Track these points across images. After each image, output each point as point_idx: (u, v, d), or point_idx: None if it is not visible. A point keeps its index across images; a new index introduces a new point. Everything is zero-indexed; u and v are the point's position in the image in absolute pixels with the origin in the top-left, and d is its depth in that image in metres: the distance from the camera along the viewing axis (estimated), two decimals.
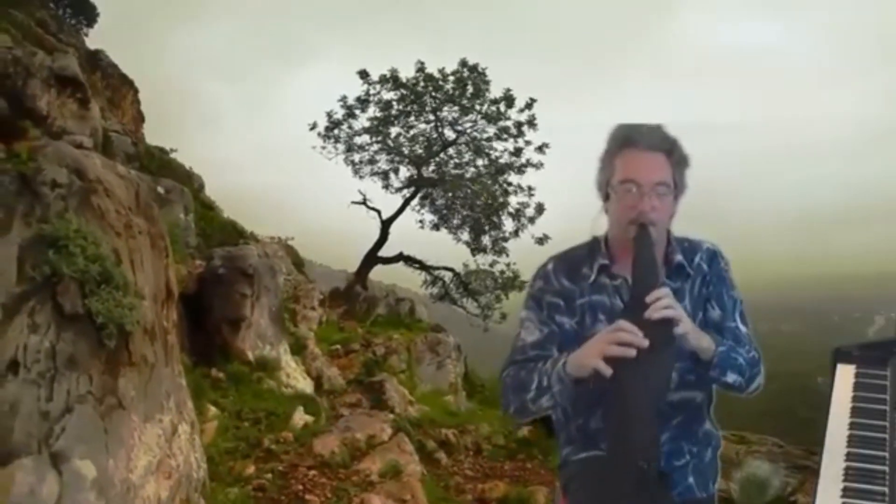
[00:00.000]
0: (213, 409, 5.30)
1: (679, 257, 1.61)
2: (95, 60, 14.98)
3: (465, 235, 12.69)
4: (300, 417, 5.69)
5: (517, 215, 12.01)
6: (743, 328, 1.60)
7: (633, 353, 1.35)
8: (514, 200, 12.18)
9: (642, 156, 1.52)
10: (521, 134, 12.21)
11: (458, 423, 6.71)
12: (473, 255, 12.56)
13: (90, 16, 16.83)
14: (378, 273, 13.56)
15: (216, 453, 4.74)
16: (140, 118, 16.15)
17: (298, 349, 7.32)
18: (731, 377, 1.51)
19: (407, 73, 11.86)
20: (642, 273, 1.46)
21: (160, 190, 7.30)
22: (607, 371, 1.37)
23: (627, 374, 1.37)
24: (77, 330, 2.50)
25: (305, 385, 6.40)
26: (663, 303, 1.38)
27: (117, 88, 15.55)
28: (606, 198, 1.57)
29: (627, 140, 1.54)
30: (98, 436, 2.48)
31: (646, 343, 1.36)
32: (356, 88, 11.98)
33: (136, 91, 16.22)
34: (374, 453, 5.44)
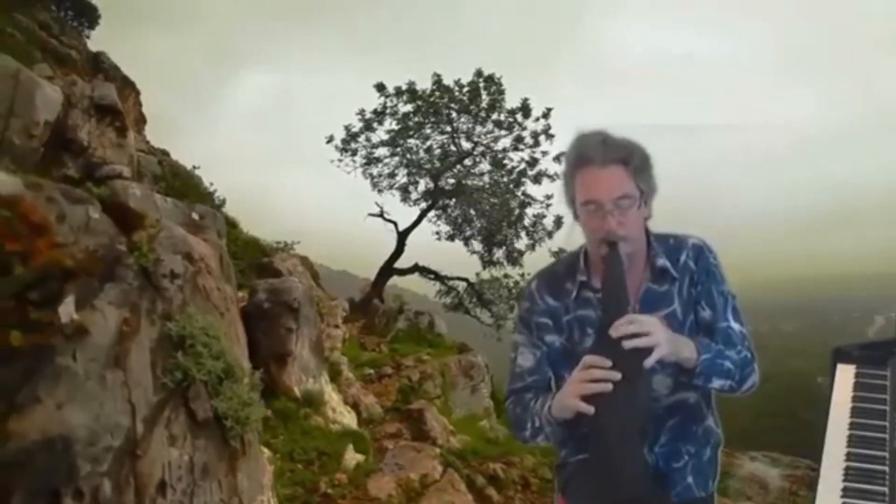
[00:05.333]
0: (266, 452, 5.21)
1: (662, 261, 1.58)
2: (98, 62, 14.78)
3: (478, 246, 12.66)
4: (351, 457, 5.62)
5: (534, 228, 11.96)
6: (736, 326, 1.57)
7: (609, 387, 1.35)
8: (530, 212, 12.14)
9: (598, 173, 1.49)
10: (537, 144, 12.16)
11: (502, 454, 6.67)
12: (485, 267, 12.53)
13: (91, 18, 16.54)
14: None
15: (277, 503, 4.66)
16: (142, 120, 15.93)
17: (333, 375, 7.23)
18: (717, 383, 1.50)
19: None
20: (610, 301, 1.45)
21: (194, 216, 7.14)
22: (589, 409, 1.36)
23: (603, 408, 1.36)
24: (206, 435, 2.41)
25: (351, 420, 6.32)
26: (631, 330, 1.36)
27: (119, 91, 15.31)
28: (576, 216, 1.56)
29: (581, 159, 1.52)
30: None
31: (618, 376, 1.35)
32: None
33: (137, 93, 16.03)
34: (428, 494, 5.39)
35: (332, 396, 6.44)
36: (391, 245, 12.56)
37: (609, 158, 1.49)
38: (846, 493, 1.39)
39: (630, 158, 1.50)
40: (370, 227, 12.62)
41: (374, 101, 11.88)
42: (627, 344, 1.35)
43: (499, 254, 12.36)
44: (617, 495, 1.34)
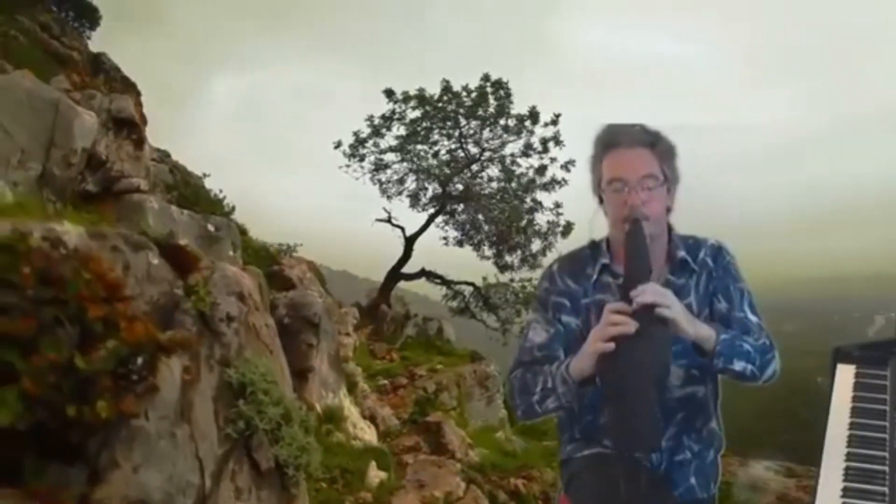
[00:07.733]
0: None
1: (682, 253, 1.63)
2: (98, 63, 14.64)
3: (488, 252, 12.65)
4: (375, 474, 5.58)
5: (546, 234, 11.94)
6: (753, 318, 1.61)
7: (631, 329, 1.36)
8: (542, 219, 12.12)
9: (625, 153, 1.56)
10: (546, 150, 12.12)
11: (520, 467, 6.67)
12: (502, 272, 12.52)
13: (92, 18, 16.41)
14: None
15: None
16: (143, 120, 15.76)
17: (350, 387, 7.20)
18: (738, 365, 1.51)
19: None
20: (633, 267, 1.47)
21: (210, 228, 7.08)
22: (609, 346, 1.38)
23: (621, 364, 1.37)
24: (268, 484, 2.37)
25: (371, 435, 6.29)
26: (648, 291, 1.40)
27: (121, 92, 15.20)
28: (601, 200, 1.61)
29: (609, 141, 1.59)
30: None
31: (634, 324, 1.37)
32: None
33: (138, 94, 15.86)
34: None
35: (351, 411, 6.41)
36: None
37: (636, 141, 1.56)
38: (846, 493, 1.40)
39: (657, 143, 1.57)
40: (369, 228, 12.58)
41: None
42: (641, 298, 1.37)
43: (512, 258, 12.35)
44: (628, 449, 1.35)
